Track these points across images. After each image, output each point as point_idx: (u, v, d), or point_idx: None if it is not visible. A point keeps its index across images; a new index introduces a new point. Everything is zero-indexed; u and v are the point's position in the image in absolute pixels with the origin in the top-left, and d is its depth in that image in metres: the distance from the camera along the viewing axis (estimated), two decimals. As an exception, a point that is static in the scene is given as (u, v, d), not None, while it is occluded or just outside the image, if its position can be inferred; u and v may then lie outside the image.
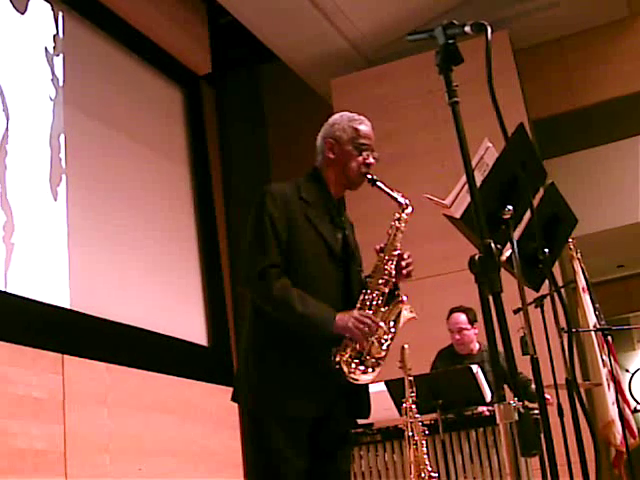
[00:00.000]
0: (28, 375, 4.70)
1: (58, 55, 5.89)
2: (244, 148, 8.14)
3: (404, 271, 2.71)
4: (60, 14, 6.02)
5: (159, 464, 5.53)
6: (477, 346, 4.85)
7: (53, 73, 5.78)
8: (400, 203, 2.75)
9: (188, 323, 6.67)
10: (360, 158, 2.76)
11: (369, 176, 2.76)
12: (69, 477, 4.76)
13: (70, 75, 5.93)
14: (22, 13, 5.63)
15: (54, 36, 5.91)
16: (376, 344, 2.63)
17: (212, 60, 7.75)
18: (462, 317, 4.80)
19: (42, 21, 5.83)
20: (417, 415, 3.64)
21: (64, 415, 4.86)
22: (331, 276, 2.70)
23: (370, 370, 2.61)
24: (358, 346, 2.60)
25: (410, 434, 3.62)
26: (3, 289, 4.86)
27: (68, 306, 5.32)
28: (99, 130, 6.13)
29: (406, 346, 3.72)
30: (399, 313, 2.70)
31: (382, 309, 2.68)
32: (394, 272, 2.70)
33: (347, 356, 2.58)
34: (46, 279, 5.21)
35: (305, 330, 2.59)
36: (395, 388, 4.01)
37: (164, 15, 7.12)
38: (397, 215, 2.76)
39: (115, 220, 6.02)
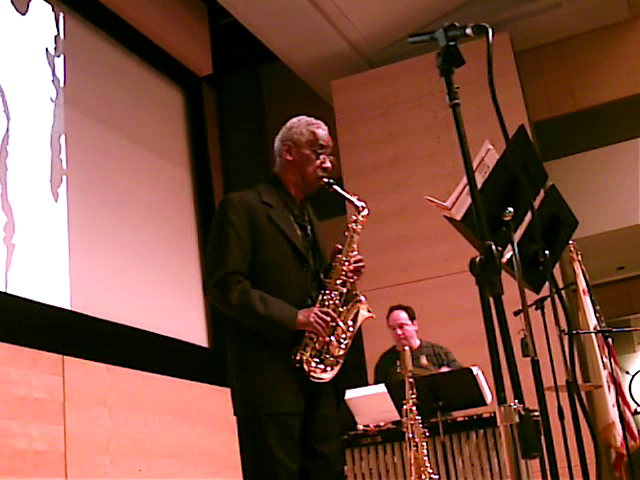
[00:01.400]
0: (28, 376, 4.69)
1: (59, 56, 5.89)
2: (245, 149, 8.14)
3: (354, 267, 2.78)
4: (61, 15, 6.02)
5: (159, 465, 5.53)
6: (417, 342, 4.94)
7: (54, 74, 5.78)
8: (357, 206, 2.84)
9: (189, 324, 6.67)
10: (317, 162, 2.83)
11: (326, 179, 2.83)
12: (69, 478, 4.75)
13: (71, 76, 5.93)
14: (23, 14, 5.64)
15: (55, 37, 5.91)
16: (335, 343, 2.70)
17: (213, 61, 7.75)
18: (402, 314, 4.93)
19: (43, 22, 5.83)
20: (417, 417, 3.64)
21: (64, 416, 4.86)
22: (297, 276, 2.76)
23: (329, 369, 2.67)
24: (318, 344, 2.66)
25: (411, 436, 3.62)
26: (3, 290, 4.86)
27: (68, 307, 5.32)
28: (100, 131, 6.13)
29: (407, 348, 3.72)
30: (357, 312, 2.77)
31: (340, 309, 2.75)
32: (351, 272, 2.77)
33: (307, 355, 2.64)
34: (47, 280, 5.21)
35: (269, 330, 2.65)
36: (396, 390, 4.01)
37: (165, 16, 7.12)
38: (354, 217, 2.84)
39: (116, 221, 6.02)
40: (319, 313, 2.65)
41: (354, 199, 2.84)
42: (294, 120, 2.94)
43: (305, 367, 2.62)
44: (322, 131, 2.88)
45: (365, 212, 2.83)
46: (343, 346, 2.71)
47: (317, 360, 2.65)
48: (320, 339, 2.65)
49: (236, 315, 2.70)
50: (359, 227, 2.82)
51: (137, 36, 6.80)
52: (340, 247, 2.80)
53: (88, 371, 5.16)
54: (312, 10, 6.88)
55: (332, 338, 2.68)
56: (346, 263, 2.77)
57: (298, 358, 2.63)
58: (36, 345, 4.82)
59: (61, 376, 4.93)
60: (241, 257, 2.69)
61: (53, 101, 5.71)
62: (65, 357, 5.00)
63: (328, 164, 2.85)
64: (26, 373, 4.68)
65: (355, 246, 2.80)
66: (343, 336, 2.71)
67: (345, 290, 2.76)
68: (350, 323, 2.74)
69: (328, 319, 2.65)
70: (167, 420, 5.76)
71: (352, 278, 2.78)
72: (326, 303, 2.72)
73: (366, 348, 6.17)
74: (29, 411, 4.62)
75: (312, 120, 2.92)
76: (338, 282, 2.75)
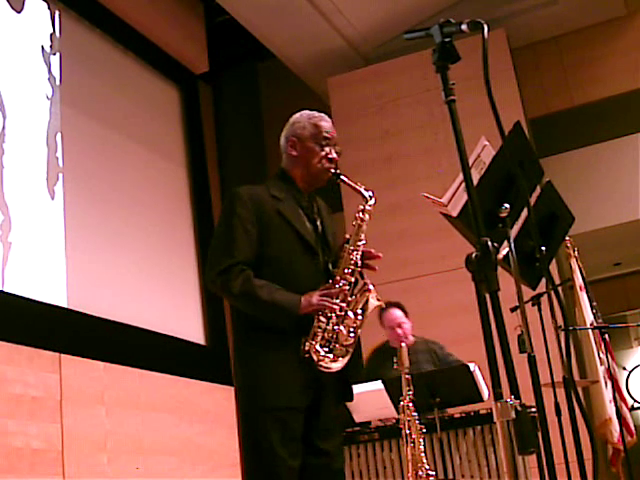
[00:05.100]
0: (25, 374, 4.69)
1: (55, 54, 5.88)
2: (241, 146, 8.13)
3: (369, 262, 2.77)
4: (57, 13, 6.01)
5: (157, 463, 5.53)
6: (411, 338, 4.84)
7: (50, 72, 5.77)
8: (364, 195, 2.82)
9: (186, 322, 6.67)
10: (322, 153, 2.82)
11: (332, 170, 2.82)
12: (66, 476, 4.75)
13: (67, 74, 5.92)
14: (19, 12, 5.62)
15: (51, 35, 5.89)
16: (344, 332, 2.67)
17: (209, 59, 7.75)
18: (398, 312, 4.80)
19: (39, 20, 5.82)
20: (414, 413, 3.64)
21: (61, 414, 4.85)
22: (307, 268, 2.74)
23: (339, 358, 2.64)
24: (327, 333, 2.63)
25: (407, 432, 3.62)
26: (0, 288, 4.86)
27: (65, 305, 5.31)
28: (96, 129, 6.12)
29: (403, 345, 3.73)
30: (366, 301, 2.74)
31: (349, 298, 2.72)
32: (359, 262, 2.76)
33: (316, 345, 2.61)
34: (43, 278, 5.21)
35: (273, 317, 2.64)
36: (393, 386, 4.01)
37: (161, 14, 7.11)
38: (361, 207, 2.82)
39: (112, 219, 6.01)
40: (322, 291, 2.64)
41: (361, 189, 2.82)
42: (297, 115, 2.94)
43: (314, 357, 2.59)
44: (325, 123, 2.87)
45: (372, 202, 2.81)
46: (352, 335, 2.68)
47: (326, 349, 2.62)
48: (329, 327, 2.62)
49: (239, 303, 2.68)
50: (366, 216, 2.80)
51: (133, 34, 6.79)
52: (348, 237, 2.78)
53: (85, 369, 5.16)
54: (308, 7, 6.87)
55: (342, 327, 2.65)
56: (354, 252, 2.75)
57: (307, 348, 2.59)
58: (33, 343, 4.81)
59: (58, 374, 4.93)
60: (247, 249, 2.67)
61: (49, 99, 5.70)
62: (62, 355, 5.00)
63: (334, 154, 2.83)
64: (23, 371, 4.68)
65: (363, 235, 2.78)
66: (353, 325, 2.68)
67: (353, 279, 2.74)
68: (359, 312, 2.71)
69: (330, 299, 2.62)
70: (165, 418, 5.76)
71: (361, 268, 2.75)
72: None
73: (364, 347, 6.16)
74: (26, 409, 4.62)
75: (314, 113, 2.91)
76: (346, 271, 2.72)
